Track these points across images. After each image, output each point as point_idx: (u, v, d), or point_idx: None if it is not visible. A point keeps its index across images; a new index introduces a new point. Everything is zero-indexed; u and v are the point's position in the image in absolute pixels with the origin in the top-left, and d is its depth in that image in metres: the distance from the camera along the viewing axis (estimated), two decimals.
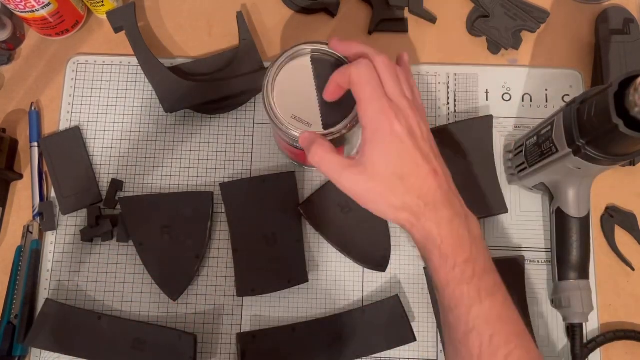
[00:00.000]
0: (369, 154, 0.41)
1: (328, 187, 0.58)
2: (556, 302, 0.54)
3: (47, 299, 0.54)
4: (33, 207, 0.58)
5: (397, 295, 0.55)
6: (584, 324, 0.54)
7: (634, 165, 0.59)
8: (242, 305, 0.56)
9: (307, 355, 0.53)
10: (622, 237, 0.58)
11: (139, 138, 0.60)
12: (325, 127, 0.47)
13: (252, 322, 0.56)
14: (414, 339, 0.54)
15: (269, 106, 0.47)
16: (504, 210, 0.57)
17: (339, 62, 0.48)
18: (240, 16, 0.61)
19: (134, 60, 0.61)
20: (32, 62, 0.63)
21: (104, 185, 0.59)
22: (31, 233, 0.57)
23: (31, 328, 0.53)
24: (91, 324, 0.53)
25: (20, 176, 0.59)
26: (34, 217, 0.58)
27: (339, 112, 0.47)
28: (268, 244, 0.56)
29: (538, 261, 0.57)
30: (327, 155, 0.43)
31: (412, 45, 0.63)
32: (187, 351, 0.52)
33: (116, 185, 0.58)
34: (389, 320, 0.54)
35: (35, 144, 0.59)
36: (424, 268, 0.56)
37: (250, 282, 0.56)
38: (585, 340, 0.55)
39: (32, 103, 0.61)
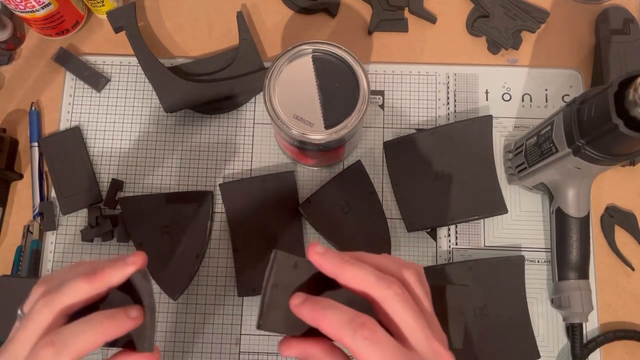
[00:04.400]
0: None
1: (328, 187, 0.58)
2: (556, 302, 0.54)
3: (2, 276, 0.49)
4: (33, 207, 0.58)
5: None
6: (584, 324, 0.54)
7: (634, 165, 0.59)
8: (242, 305, 0.56)
9: None
10: (622, 237, 0.58)
11: (139, 138, 0.60)
12: (327, 127, 0.47)
13: (253, 322, 0.56)
14: None
15: (270, 106, 0.47)
16: (504, 210, 0.57)
17: (341, 63, 0.48)
18: (240, 16, 0.61)
19: (134, 60, 0.61)
20: (32, 62, 0.63)
21: (104, 185, 0.59)
22: (31, 233, 0.57)
23: None
24: None
25: (21, 176, 0.59)
26: (34, 217, 0.58)
27: (341, 111, 0.47)
28: (268, 243, 0.56)
29: (538, 261, 0.57)
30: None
31: (412, 45, 0.63)
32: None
33: (116, 185, 0.58)
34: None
35: (36, 144, 0.59)
36: (424, 268, 0.56)
37: (250, 282, 0.56)
38: (585, 340, 0.55)
39: (32, 103, 0.61)
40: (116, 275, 0.34)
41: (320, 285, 0.32)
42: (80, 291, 0.33)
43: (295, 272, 0.33)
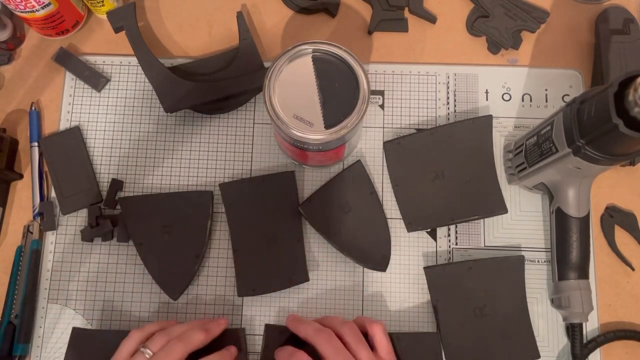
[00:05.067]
0: None
1: (328, 187, 0.58)
2: (556, 302, 0.54)
3: (73, 328, 0.54)
4: (33, 207, 0.58)
5: (436, 333, 0.54)
6: (584, 323, 0.54)
7: (634, 165, 0.59)
8: (242, 305, 0.56)
9: None
10: (622, 237, 0.58)
11: (139, 138, 0.60)
12: (327, 126, 0.47)
13: (252, 322, 0.56)
14: None
15: (270, 106, 0.47)
16: (504, 210, 0.57)
17: (341, 63, 0.48)
18: (240, 16, 0.61)
19: (134, 60, 0.61)
20: (32, 62, 0.63)
21: (104, 185, 0.59)
22: (31, 233, 0.57)
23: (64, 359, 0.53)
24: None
25: (21, 176, 0.59)
26: (34, 217, 0.58)
27: (341, 111, 0.47)
28: (268, 243, 0.56)
29: (538, 261, 0.57)
30: None
31: (412, 45, 0.63)
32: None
33: (116, 185, 0.58)
34: (421, 355, 0.53)
35: (36, 144, 0.59)
36: (424, 268, 0.56)
37: (250, 282, 0.56)
38: (585, 340, 0.55)
39: (32, 103, 0.61)
40: (219, 330, 0.52)
41: (295, 340, 0.51)
42: (200, 338, 0.49)
43: (281, 335, 0.53)
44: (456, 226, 0.58)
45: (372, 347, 0.49)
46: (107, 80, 0.61)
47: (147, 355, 0.47)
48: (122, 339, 0.50)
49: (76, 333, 0.54)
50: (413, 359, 0.53)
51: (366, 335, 0.50)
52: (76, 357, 0.53)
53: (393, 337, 0.53)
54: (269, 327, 0.54)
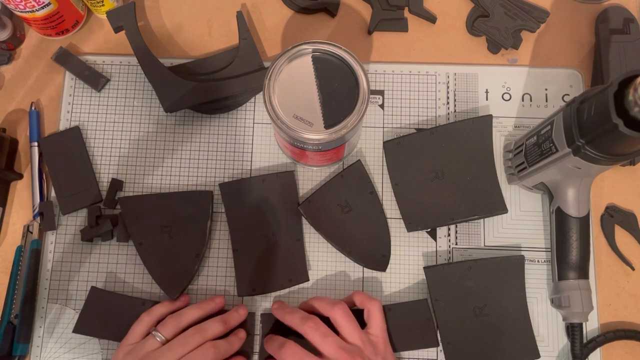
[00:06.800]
0: None
1: (328, 187, 0.58)
2: (556, 302, 0.54)
3: (92, 287, 0.55)
4: (33, 206, 0.58)
5: (425, 299, 0.55)
6: (583, 323, 0.54)
7: (634, 165, 0.59)
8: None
9: None
10: (622, 237, 0.58)
11: (139, 138, 0.60)
12: (327, 126, 0.47)
13: (252, 321, 0.56)
14: (437, 344, 0.54)
15: (270, 106, 0.47)
16: (504, 210, 0.57)
17: (340, 63, 0.48)
18: (240, 16, 0.61)
19: (134, 60, 0.61)
20: (32, 62, 0.63)
21: (104, 185, 0.59)
22: (31, 233, 0.57)
23: (79, 316, 0.54)
24: (135, 310, 0.53)
25: (20, 176, 0.59)
26: (34, 216, 0.58)
27: (341, 111, 0.48)
28: (268, 243, 0.56)
29: (538, 261, 0.57)
30: None
31: (412, 45, 0.63)
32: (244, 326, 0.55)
33: (116, 185, 0.58)
34: (413, 322, 0.54)
35: (35, 143, 0.59)
36: (424, 268, 0.56)
37: (250, 282, 0.56)
38: (585, 340, 0.55)
39: (32, 103, 0.61)
40: (238, 321, 0.53)
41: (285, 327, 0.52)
42: (218, 330, 0.51)
43: (273, 323, 0.54)
44: (456, 226, 0.58)
45: (366, 323, 0.51)
46: (107, 80, 0.61)
47: (158, 339, 0.49)
48: (136, 305, 0.54)
49: (94, 292, 0.55)
50: (406, 327, 0.54)
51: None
52: (91, 315, 0.54)
53: (385, 310, 0.54)
54: (264, 317, 0.55)
